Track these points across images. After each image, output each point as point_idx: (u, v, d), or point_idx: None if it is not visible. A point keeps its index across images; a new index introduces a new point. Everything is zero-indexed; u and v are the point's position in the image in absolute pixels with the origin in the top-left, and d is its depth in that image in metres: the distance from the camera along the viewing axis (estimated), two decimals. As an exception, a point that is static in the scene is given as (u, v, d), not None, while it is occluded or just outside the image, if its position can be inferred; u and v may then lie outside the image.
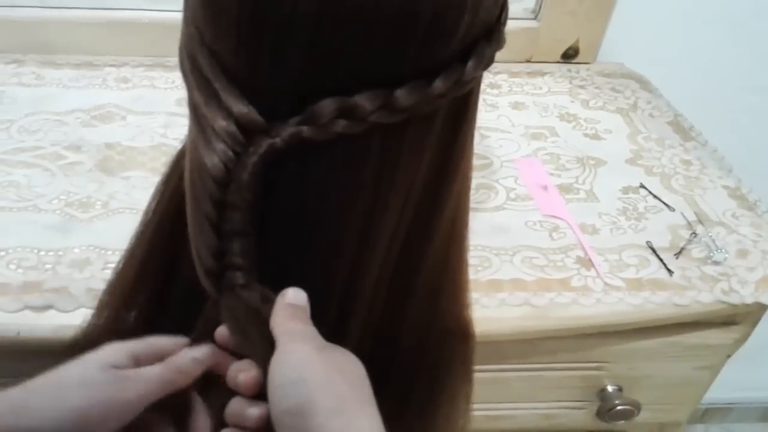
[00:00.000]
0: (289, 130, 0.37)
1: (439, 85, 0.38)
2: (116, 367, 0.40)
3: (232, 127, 0.38)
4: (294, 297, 0.39)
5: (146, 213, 0.50)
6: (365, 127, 0.38)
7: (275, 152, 0.38)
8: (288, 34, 0.35)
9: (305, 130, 0.37)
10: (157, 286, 0.49)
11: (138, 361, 0.42)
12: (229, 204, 0.38)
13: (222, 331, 0.42)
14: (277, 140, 0.37)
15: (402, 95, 0.37)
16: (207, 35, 0.39)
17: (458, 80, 0.39)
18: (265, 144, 0.38)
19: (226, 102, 0.38)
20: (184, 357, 0.42)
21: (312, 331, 0.38)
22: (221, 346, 0.42)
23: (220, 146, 0.38)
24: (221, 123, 0.38)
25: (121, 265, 0.52)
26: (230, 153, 0.38)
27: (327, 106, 0.37)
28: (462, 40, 0.38)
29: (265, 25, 0.36)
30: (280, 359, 0.35)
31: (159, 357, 0.42)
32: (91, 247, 0.64)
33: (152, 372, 0.41)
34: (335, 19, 0.35)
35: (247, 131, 0.38)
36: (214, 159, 0.38)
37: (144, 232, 0.50)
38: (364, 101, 0.37)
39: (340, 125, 0.37)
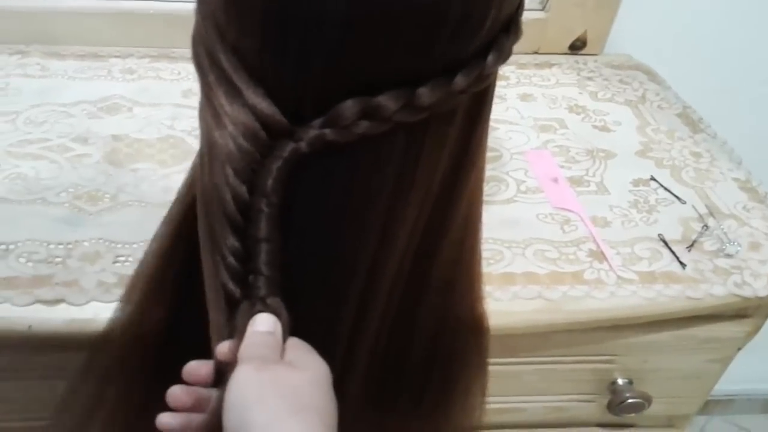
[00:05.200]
0: (312, 133, 0.37)
1: (460, 81, 0.37)
2: None
3: (258, 128, 0.37)
4: (260, 324, 0.38)
5: (171, 207, 0.50)
6: (388, 127, 0.37)
7: (299, 156, 0.37)
8: (315, 34, 0.34)
9: (329, 132, 0.36)
10: (182, 281, 0.48)
11: None
12: (255, 209, 0.38)
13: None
14: (302, 144, 0.37)
15: (424, 93, 0.36)
16: (229, 33, 0.37)
17: (479, 75, 0.38)
18: (289, 148, 0.37)
19: (250, 101, 0.37)
20: None
21: (263, 352, 0.37)
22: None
23: (245, 146, 0.37)
24: (245, 122, 0.37)
25: (145, 259, 0.51)
26: (257, 155, 0.37)
27: (350, 107, 0.36)
28: (486, 35, 0.37)
29: (292, 25, 0.35)
30: (228, 385, 0.36)
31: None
32: (101, 240, 0.63)
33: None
34: (364, 19, 0.34)
35: (271, 132, 0.37)
36: (239, 161, 0.37)
37: (168, 225, 0.50)
38: (387, 101, 0.36)
39: (363, 126, 0.36)
